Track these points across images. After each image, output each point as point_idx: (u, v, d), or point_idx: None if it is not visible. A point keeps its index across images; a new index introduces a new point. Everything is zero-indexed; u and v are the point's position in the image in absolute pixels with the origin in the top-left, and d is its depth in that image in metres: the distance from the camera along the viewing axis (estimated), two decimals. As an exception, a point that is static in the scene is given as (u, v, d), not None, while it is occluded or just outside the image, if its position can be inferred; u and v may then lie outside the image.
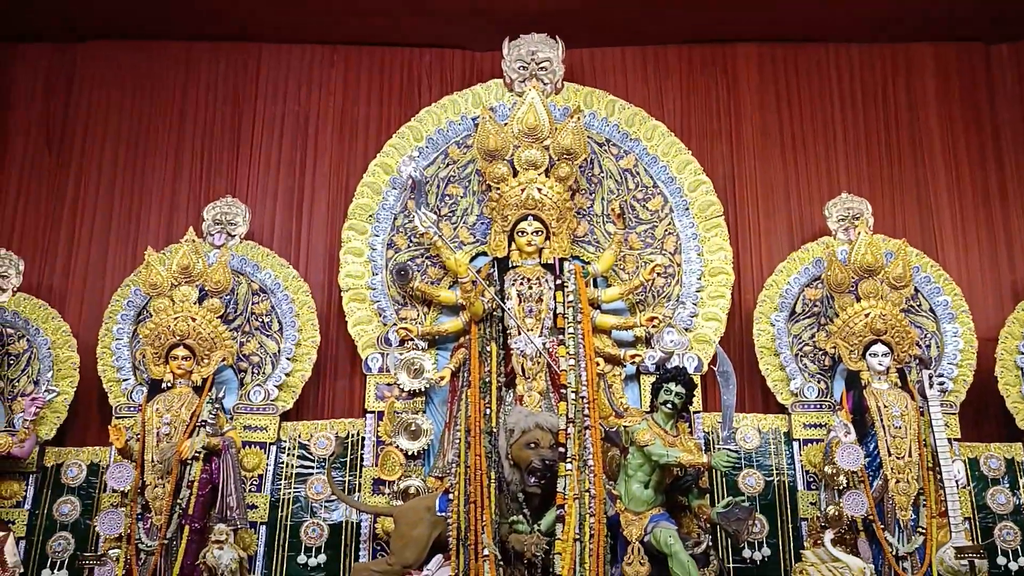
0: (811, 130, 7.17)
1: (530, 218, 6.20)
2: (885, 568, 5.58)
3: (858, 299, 6.12)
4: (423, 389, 6.17)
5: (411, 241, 6.57)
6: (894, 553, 5.58)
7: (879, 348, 5.98)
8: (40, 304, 6.53)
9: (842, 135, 7.17)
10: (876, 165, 7.12)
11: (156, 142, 7.13)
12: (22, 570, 5.92)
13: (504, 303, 6.08)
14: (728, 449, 5.53)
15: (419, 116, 6.75)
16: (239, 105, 7.19)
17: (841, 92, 7.29)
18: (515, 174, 6.31)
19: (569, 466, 5.46)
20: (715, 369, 5.91)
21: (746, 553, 6.05)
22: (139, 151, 7.11)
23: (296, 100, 7.19)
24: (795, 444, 6.27)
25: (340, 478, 6.17)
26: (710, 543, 5.62)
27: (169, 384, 5.93)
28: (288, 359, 6.36)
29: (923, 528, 5.64)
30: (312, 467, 6.23)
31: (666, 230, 6.60)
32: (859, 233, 6.28)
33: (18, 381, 6.34)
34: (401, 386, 6.15)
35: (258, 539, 6.01)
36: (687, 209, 6.60)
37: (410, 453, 6.08)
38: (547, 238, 6.25)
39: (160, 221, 6.96)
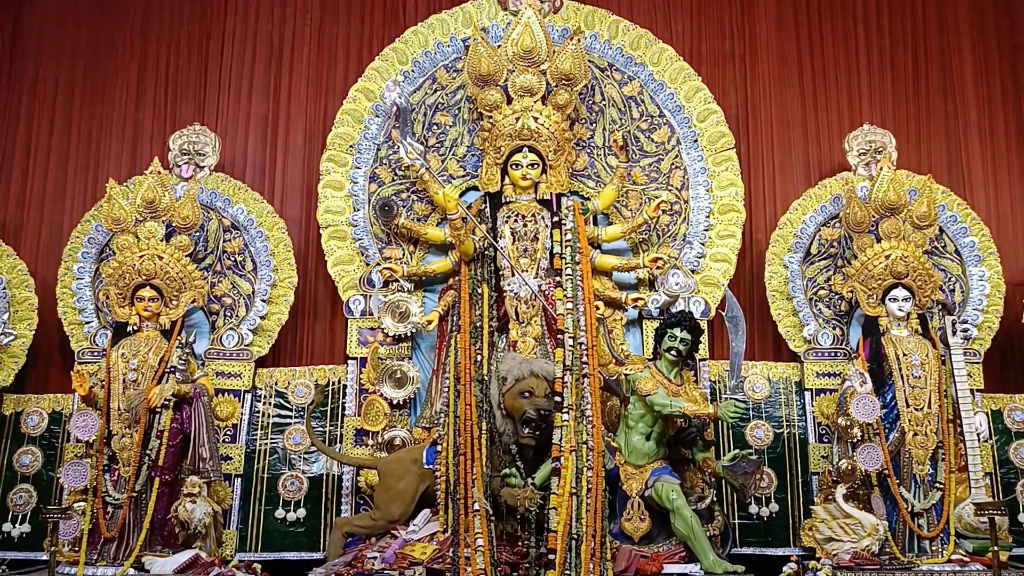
0: (832, 56, 7.23)
1: (525, 149, 6.20)
2: (899, 525, 5.73)
3: (878, 239, 6.19)
4: (409, 334, 6.28)
5: (396, 174, 6.59)
6: (909, 510, 5.72)
7: (900, 292, 6.05)
8: (-7, 241, 6.63)
9: (865, 61, 7.24)
10: (902, 95, 7.20)
11: (117, 64, 7.16)
12: (-19, 523, 6.10)
13: (497, 242, 6.13)
14: (736, 399, 5.65)
15: (404, 37, 6.74)
16: (207, 23, 7.19)
17: (866, 14, 7.33)
18: (509, 101, 6.29)
19: (566, 416, 5.53)
20: (723, 314, 6.02)
21: (753, 509, 6.26)
22: (98, 73, 7.14)
23: (269, 18, 7.21)
24: (807, 394, 6.42)
25: (320, 428, 6.29)
26: (715, 498, 5.77)
27: (135, 327, 6.00)
28: (263, 301, 6.47)
29: (941, 483, 5.77)
30: (290, 416, 6.37)
31: (673, 163, 6.64)
32: (881, 168, 6.31)
33: (-29, 324, 6.45)
34: (385, 330, 6.25)
35: (233, 492, 6.18)
36: (696, 141, 6.64)
37: (395, 402, 6.20)
38: (543, 171, 6.25)
39: (122, 151, 7.02)
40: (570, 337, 5.77)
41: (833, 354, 6.43)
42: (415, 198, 6.58)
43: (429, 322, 6.21)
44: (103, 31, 7.19)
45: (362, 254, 6.51)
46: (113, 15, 7.21)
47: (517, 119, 6.20)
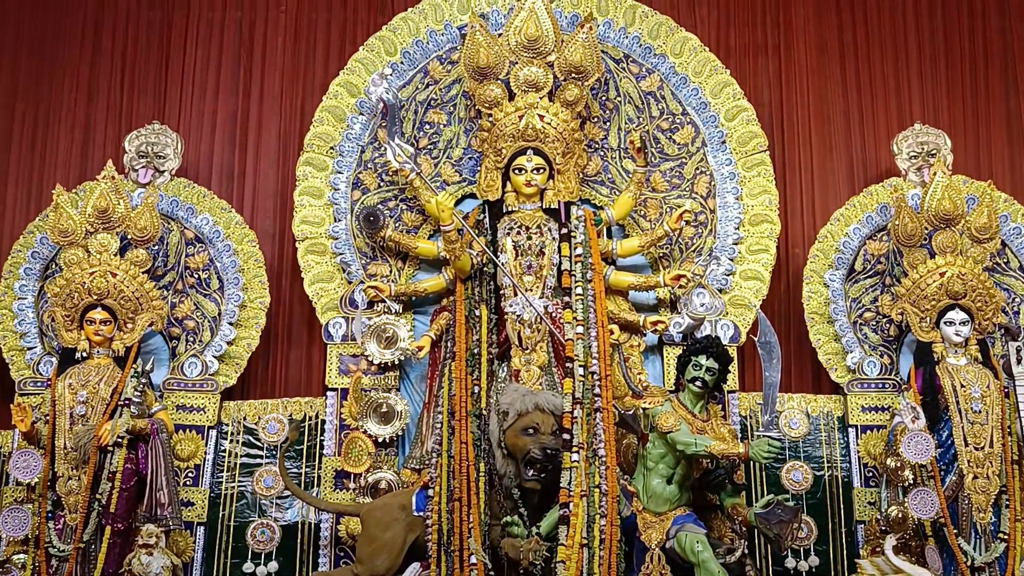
0: (878, 45, 7.19)
1: (529, 152, 6.16)
2: (957, 581, 5.76)
3: (932, 254, 6.17)
4: (397, 362, 6.22)
5: (382, 179, 6.55)
6: (969, 564, 5.67)
7: (956, 315, 6.03)
8: (-76, 256, 6.55)
9: (916, 51, 7.22)
10: (957, 89, 7.18)
11: (66, 53, 7.09)
12: (-95, 579, 5.99)
13: (497, 257, 6.08)
14: (770, 437, 5.55)
15: (392, 24, 6.69)
16: (169, 9, 7.13)
17: (917, -1, 7.28)
18: (511, 98, 6.27)
19: (575, 456, 5.49)
20: (755, 339, 5.91)
21: (790, 562, 6.18)
22: (44, 64, 7.08)
23: (239, 3, 7.16)
24: (851, 431, 6.38)
25: (295, 470, 6.23)
26: (746, 550, 5.66)
27: (85, 354, 5.95)
28: (230, 324, 6.40)
29: (1005, 534, 5.73)
30: (260, 456, 6.31)
31: (697, 168, 6.59)
32: (935, 173, 6.26)
33: (-102, 350, 6.38)
34: (370, 358, 6.20)
35: (195, 543, 6.11)
36: (723, 142, 6.60)
37: (380, 440, 6.15)
38: (550, 177, 6.22)
39: (71, 152, 6.97)
40: (580, 366, 5.71)
41: (881, 385, 6.39)
42: (404, 207, 6.52)
43: (420, 348, 6.12)
44: (50, 15, 7.14)
45: (344, 271, 6.44)
46: (61, -4, 7.21)
47: (520, 117, 6.17)
